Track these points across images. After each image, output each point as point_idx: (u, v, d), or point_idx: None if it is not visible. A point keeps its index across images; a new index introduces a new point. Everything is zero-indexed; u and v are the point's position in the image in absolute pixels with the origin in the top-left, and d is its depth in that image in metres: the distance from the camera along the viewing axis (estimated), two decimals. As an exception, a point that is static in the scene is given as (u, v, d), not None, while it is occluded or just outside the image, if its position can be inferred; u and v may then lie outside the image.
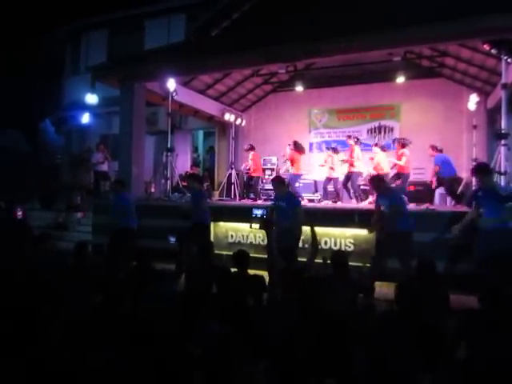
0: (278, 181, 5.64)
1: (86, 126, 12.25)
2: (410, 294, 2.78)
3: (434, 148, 8.17)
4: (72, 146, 14.31)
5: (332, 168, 8.86)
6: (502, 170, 6.25)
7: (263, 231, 5.55)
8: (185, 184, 10.32)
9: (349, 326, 2.62)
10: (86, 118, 11.60)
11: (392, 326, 2.66)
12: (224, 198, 10.21)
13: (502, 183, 6.12)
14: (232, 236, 7.39)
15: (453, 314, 2.92)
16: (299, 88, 10.45)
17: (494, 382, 2.30)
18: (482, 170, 4.89)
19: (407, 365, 2.41)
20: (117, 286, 3.67)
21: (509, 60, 6.34)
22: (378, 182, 5.59)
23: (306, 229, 5.12)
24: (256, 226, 5.78)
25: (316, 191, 9.84)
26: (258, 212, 6.03)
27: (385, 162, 8.51)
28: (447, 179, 7.93)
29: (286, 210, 5.23)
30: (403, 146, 8.41)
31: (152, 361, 2.43)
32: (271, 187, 10.25)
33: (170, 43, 10.92)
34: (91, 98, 10.03)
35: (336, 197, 8.83)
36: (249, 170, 10.02)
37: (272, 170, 10.62)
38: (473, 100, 8.34)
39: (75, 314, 3.04)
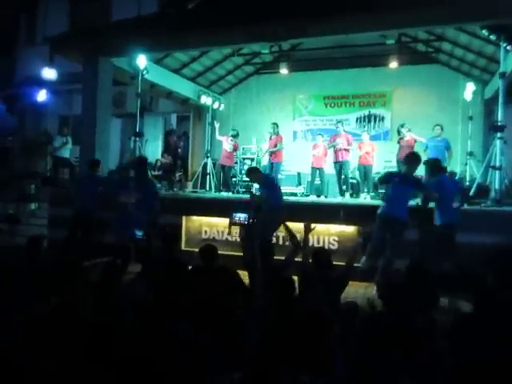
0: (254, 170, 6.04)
1: (43, 105, 11.89)
2: (398, 295, 2.83)
3: None
4: (25, 127, 13.85)
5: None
6: (497, 164, 6.43)
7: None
8: (155, 173, 10.22)
9: (329, 327, 2.65)
10: (42, 96, 11.21)
11: (377, 328, 2.71)
12: (198, 189, 10.13)
13: (497, 178, 6.29)
14: (206, 232, 7.34)
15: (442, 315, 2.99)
16: (284, 71, 10.41)
17: None
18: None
19: (388, 367, 2.46)
20: (76, 287, 3.57)
21: (508, 47, 6.48)
22: None
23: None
24: (236, 229, 5.65)
25: (299, 184, 9.88)
26: (241, 216, 5.31)
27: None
28: None
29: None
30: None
31: (115, 370, 2.39)
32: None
33: (140, 15, 10.67)
34: (49, 73, 9.69)
35: None
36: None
37: (252, 159, 10.59)
38: (469, 89, 8.50)
39: (25, 319, 2.95)
